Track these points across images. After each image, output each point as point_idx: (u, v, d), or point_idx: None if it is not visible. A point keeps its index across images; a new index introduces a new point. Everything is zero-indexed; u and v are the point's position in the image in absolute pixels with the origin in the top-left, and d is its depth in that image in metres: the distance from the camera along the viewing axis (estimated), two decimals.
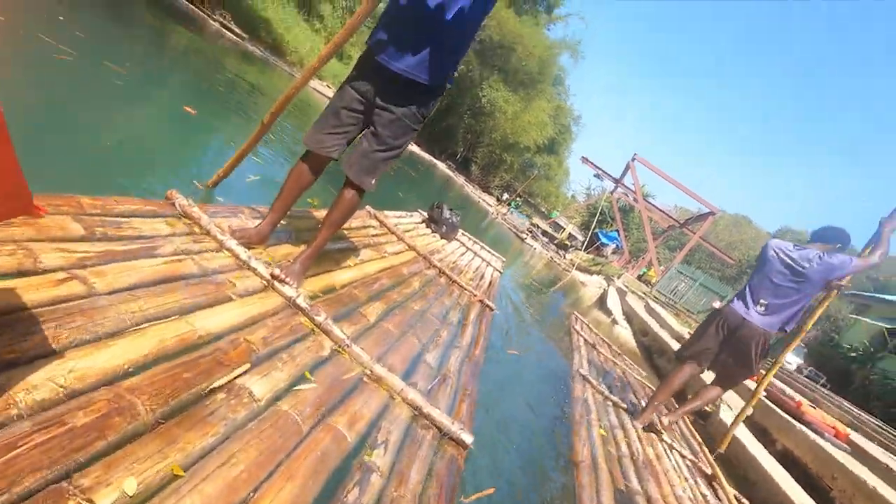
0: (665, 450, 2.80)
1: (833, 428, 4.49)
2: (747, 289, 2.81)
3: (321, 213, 2.43)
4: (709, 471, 2.87)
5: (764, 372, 3.04)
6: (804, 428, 4.20)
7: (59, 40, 3.14)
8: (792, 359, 18.84)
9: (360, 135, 1.72)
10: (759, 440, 3.88)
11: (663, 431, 2.93)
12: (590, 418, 2.51)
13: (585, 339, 4.43)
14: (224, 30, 10.62)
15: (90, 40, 3.94)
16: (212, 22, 10.33)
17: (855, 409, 7.93)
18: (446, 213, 4.48)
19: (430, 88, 1.64)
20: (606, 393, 3.12)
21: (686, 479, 2.58)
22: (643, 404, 3.28)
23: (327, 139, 1.67)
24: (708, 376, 3.33)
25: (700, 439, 3.45)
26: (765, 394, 5.28)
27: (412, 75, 1.57)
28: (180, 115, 3.60)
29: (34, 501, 0.62)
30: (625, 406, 3.09)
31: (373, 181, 1.70)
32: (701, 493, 2.52)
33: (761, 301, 2.72)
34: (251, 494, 0.84)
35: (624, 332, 7.61)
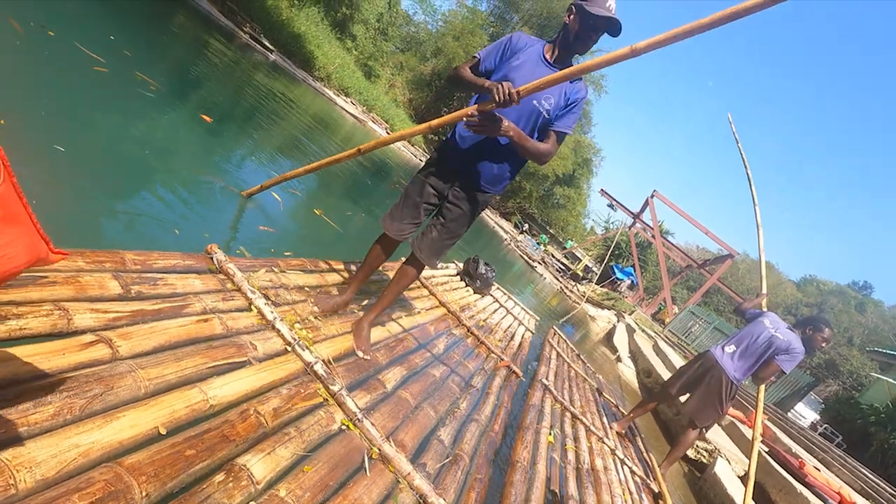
0: (616, 464, 2.93)
1: (839, 494, 4.23)
2: (727, 340, 3.46)
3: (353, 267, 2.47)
4: (656, 489, 3.02)
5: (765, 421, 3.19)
6: (806, 491, 3.98)
7: (99, 50, 3.47)
8: (807, 413, 17.38)
9: (431, 220, 2.00)
10: (755, 500, 3.73)
11: (621, 431, 3.60)
12: (540, 425, 2.57)
13: (559, 353, 4.59)
14: (253, 42, 11.03)
15: (125, 48, 4.28)
16: (241, 33, 10.75)
17: (870, 475, 7.31)
18: (482, 269, 4.46)
19: (493, 194, 1.96)
20: (566, 404, 3.24)
21: (630, 493, 2.69)
22: (605, 421, 3.69)
23: (406, 228, 1.96)
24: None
25: (654, 460, 3.57)
26: (766, 449, 5.01)
27: (485, 188, 1.90)
28: (200, 124, 3.87)
29: None
30: (585, 420, 3.21)
31: (437, 262, 2.02)
32: None
33: (733, 349, 3.36)
34: None
35: (627, 371, 7.37)
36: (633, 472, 3.05)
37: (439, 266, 4.30)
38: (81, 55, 3.25)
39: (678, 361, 8.66)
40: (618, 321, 13.16)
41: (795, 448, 5.87)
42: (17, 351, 0.91)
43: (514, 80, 1.66)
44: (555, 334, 5.38)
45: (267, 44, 11.75)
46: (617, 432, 3.61)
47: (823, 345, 3.28)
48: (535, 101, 1.74)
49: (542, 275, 18.39)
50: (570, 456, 2.54)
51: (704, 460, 4.81)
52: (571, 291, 17.80)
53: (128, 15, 5.54)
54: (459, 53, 22.47)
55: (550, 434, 2.57)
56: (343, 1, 17.00)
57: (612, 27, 1.64)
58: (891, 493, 6.45)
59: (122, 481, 0.83)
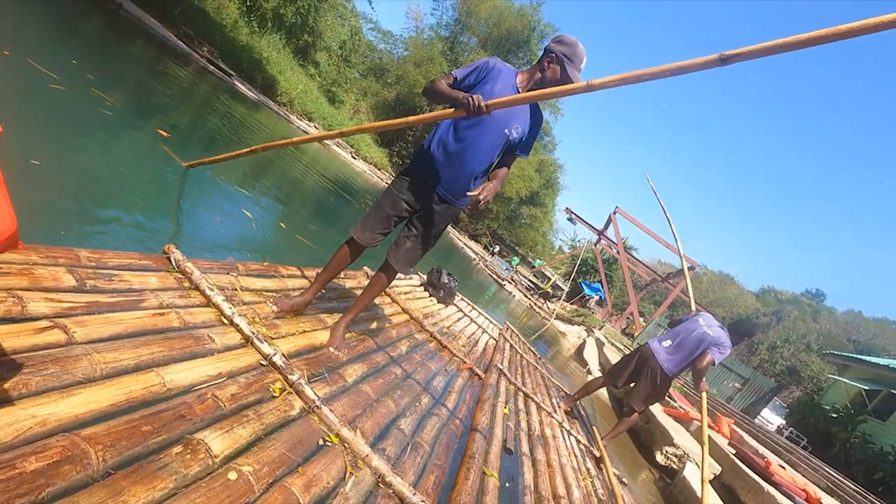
0: (563, 434, 3.34)
1: (804, 491, 4.44)
2: (665, 334, 3.88)
3: (311, 272, 2.52)
4: (598, 454, 3.45)
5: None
6: (773, 489, 4.16)
7: (55, 69, 3.47)
8: (773, 418, 18.21)
9: (403, 229, 2.12)
10: (725, 502, 3.96)
11: (568, 409, 4.05)
12: (496, 401, 2.84)
13: (512, 345, 4.95)
14: (211, 66, 10.98)
15: (84, 70, 4.30)
16: (199, 57, 10.72)
17: (834, 473, 7.77)
18: (444, 278, 4.55)
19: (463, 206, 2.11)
20: (519, 385, 3.60)
21: (575, 456, 3.09)
22: (553, 401, 4.09)
23: (377, 237, 2.06)
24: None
25: (598, 434, 3.97)
26: (734, 451, 5.22)
27: (452, 201, 2.03)
28: (159, 139, 3.89)
29: None
30: (535, 398, 3.58)
31: (411, 270, 2.16)
32: (585, 467, 3.02)
33: (669, 342, 3.77)
34: None
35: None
36: (578, 441, 3.49)
37: (406, 277, 4.37)
38: (38, 74, 3.24)
39: None
40: (587, 336, 13.44)
41: (763, 451, 6.09)
42: None
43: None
44: (508, 328, 5.77)
45: (225, 67, 11.70)
46: (564, 410, 4.01)
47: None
48: (506, 130, 1.94)
49: (511, 293, 18.71)
50: (524, 425, 2.91)
51: (674, 465, 4.97)
52: (541, 308, 18.10)
53: (83, 39, 5.51)
54: (420, 80, 23.03)
55: (506, 408, 2.88)
56: (305, 28, 17.23)
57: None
58: (854, 490, 6.76)
59: (78, 448, 0.87)
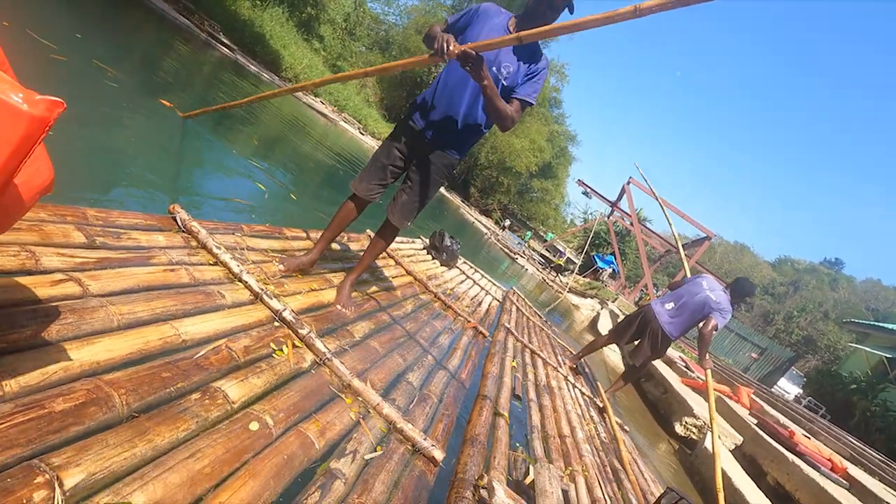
0: (567, 386, 3.51)
1: (829, 461, 4.35)
2: (667, 296, 3.92)
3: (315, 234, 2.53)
4: (601, 405, 3.65)
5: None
6: (798, 460, 4.10)
7: (55, 41, 3.42)
8: (790, 388, 18.36)
9: (401, 183, 2.12)
10: (748, 472, 3.82)
11: (573, 366, 4.21)
12: (504, 355, 2.99)
13: (518, 308, 5.04)
14: (213, 40, 10.66)
15: (86, 43, 4.25)
16: (200, 32, 10.37)
17: (856, 442, 7.67)
18: (447, 241, 4.56)
19: (458, 159, 2.08)
20: (526, 342, 3.75)
21: (579, 405, 3.25)
22: (559, 359, 4.25)
23: (374, 189, 2.06)
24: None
25: (601, 387, 4.17)
26: (756, 421, 5.23)
27: (448, 151, 2.01)
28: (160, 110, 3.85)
29: (6, 475, 0.68)
30: (541, 355, 3.73)
31: (409, 223, 2.14)
32: (589, 415, 3.20)
33: (672, 304, 3.79)
34: (213, 488, 0.89)
35: (613, 356, 7.63)
36: (582, 392, 3.69)
37: (408, 241, 4.38)
38: (38, 44, 3.17)
39: None
40: (601, 309, 13.43)
41: (784, 420, 6.00)
42: None
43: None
44: (514, 292, 5.83)
45: (228, 42, 11.34)
46: (569, 367, 4.18)
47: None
48: (493, 69, 1.85)
49: (524, 267, 18.64)
50: (531, 377, 3.08)
51: (694, 436, 4.92)
52: (554, 282, 18.07)
53: (84, 14, 5.36)
54: (423, 48, 22.27)
55: (514, 361, 3.05)
56: (308, 1, 16.53)
57: (571, 4, 1.77)
58: (879, 459, 6.63)
59: (102, 391, 0.90)
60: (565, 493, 1.57)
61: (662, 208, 4.57)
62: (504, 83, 1.88)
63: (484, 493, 1.33)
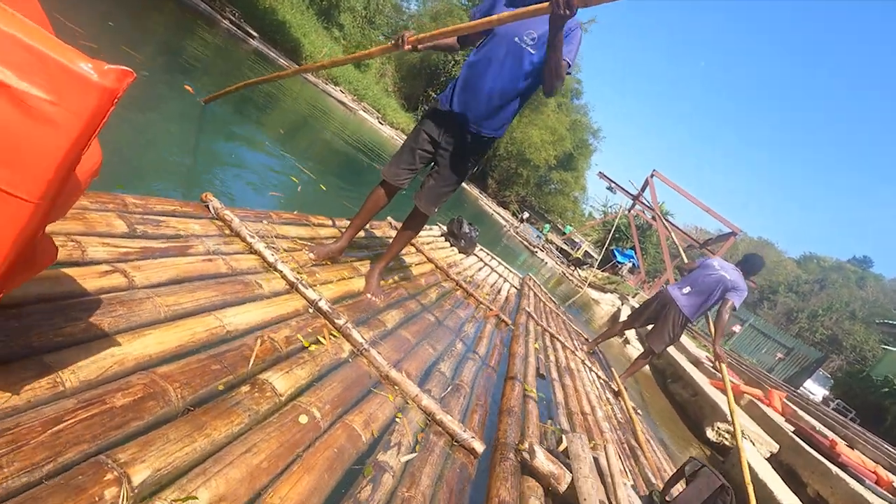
0: (585, 369, 3.65)
1: (874, 473, 4.08)
2: (682, 280, 3.95)
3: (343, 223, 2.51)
4: (616, 389, 3.74)
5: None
6: (840, 472, 3.85)
7: (88, 29, 3.41)
8: (816, 389, 17.82)
9: (428, 170, 2.08)
10: (787, 483, 3.58)
11: (589, 351, 4.35)
12: (527, 337, 3.11)
13: (535, 293, 5.13)
14: (235, 28, 10.64)
15: (113, 30, 4.23)
16: (221, 19, 10.36)
17: (893, 451, 7.06)
18: (465, 228, 4.53)
19: (490, 138, 1.98)
20: (545, 326, 3.89)
21: (597, 388, 3.40)
22: (575, 343, 4.34)
23: (402, 173, 2.02)
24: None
25: (616, 373, 4.28)
26: (793, 429, 4.98)
27: (476, 129, 1.92)
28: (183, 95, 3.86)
29: (76, 472, 0.67)
30: (560, 338, 3.87)
31: (436, 209, 2.09)
32: (605, 397, 3.34)
33: (688, 288, 3.81)
34: (271, 482, 0.88)
35: (635, 353, 7.50)
36: (598, 376, 3.83)
37: (427, 228, 4.35)
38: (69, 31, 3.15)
39: (687, 342, 8.76)
40: (622, 304, 13.26)
41: (819, 427, 5.62)
42: (41, 273, 0.93)
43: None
44: (530, 278, 5.90)
45: (249, 30, 11.24)
46: (585, 351, 4.29)
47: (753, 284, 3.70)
48: (515, 39, 1.77)
49: (543, 260, 18.46)
50: (552, 358, 3.21)
51: (727, 443, 4.66)
52: (573, 276, 17.88)
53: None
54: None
55: (536, 343, 3.15)
56: None
57: None
58: None
59: (158, 385, 0.89)
60: (596, 460, 1.59)
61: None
62: (530, 51, 1.78)
63: (525, 455, 1.43)
